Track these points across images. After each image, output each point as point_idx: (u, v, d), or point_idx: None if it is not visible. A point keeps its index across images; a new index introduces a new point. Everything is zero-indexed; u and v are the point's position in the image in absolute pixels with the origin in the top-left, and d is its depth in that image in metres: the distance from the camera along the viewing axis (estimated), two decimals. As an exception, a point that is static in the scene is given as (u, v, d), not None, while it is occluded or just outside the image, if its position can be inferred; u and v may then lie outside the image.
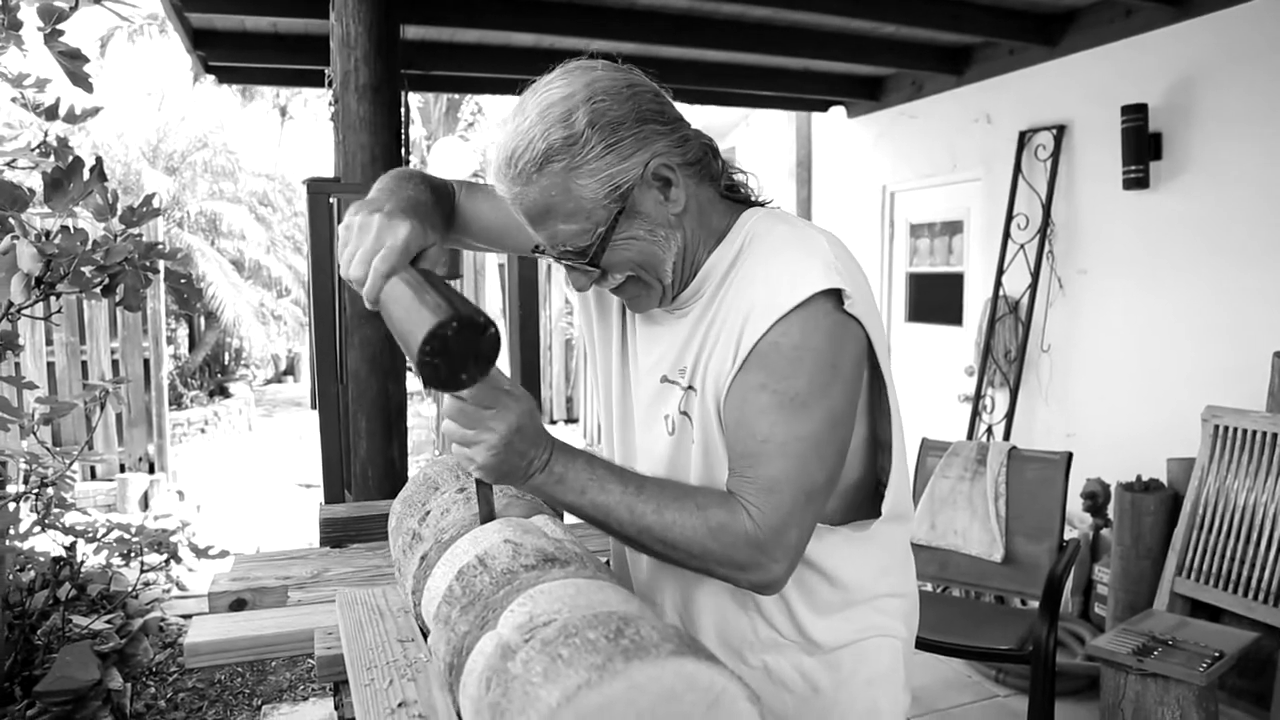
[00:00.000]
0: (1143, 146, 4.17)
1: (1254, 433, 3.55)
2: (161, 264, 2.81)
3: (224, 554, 3.50)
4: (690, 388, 1.25)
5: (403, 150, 3.81)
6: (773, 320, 1.13)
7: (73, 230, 2.44)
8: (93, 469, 7.80)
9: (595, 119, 1.11)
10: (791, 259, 1.17)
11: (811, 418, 1.14)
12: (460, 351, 1.00)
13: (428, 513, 1.31)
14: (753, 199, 1.31)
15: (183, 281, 3.09)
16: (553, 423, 11.35)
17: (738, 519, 1.13)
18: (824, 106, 6.52)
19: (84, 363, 7.87)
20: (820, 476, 1.16)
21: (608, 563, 1.62)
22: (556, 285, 10.59)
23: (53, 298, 2.53)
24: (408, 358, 1.03)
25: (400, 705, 1.14)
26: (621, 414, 1.41)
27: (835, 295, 1.14)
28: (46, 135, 2.57)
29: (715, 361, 1.20)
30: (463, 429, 1.10)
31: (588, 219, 1.15)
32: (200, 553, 3.55)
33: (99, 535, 3.49)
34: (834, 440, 1.17)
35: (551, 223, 1.16)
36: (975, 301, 5.42)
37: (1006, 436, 4.94)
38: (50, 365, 7.75)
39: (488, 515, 1.20)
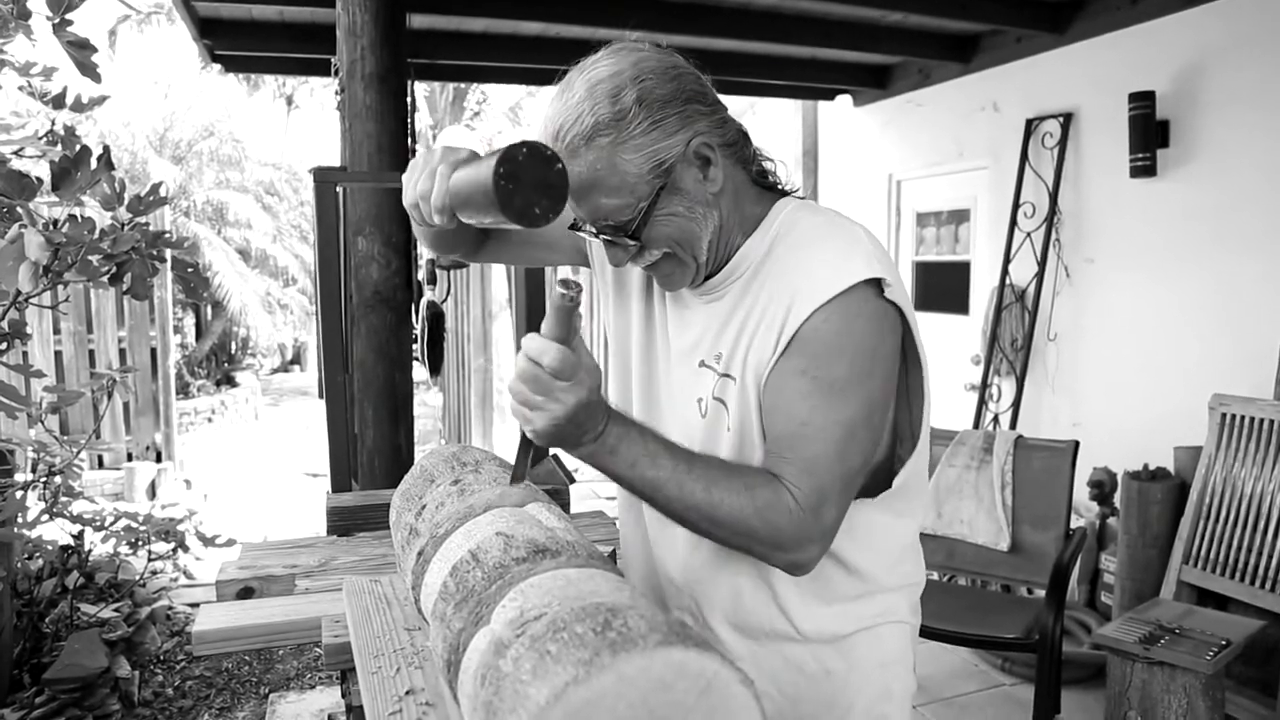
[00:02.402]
0: (1150, 134, 4.15)
1: (1261, 420, 3.54)
2: (168, 253, 2.81)
3: (231, 542, 3.51)
4: (727, 375, 1.27)
5: (409, 139, 3.81)
6: (815, 307, 1.16)
7: (80, 219, 2.44)
8: (100, 458, 7.82)
9: (642, 96, 1.14)
10: (833, 248, 1.20)
11: (850, 403, 1.17)
12: (530, 180, 1.03)
13: (424, 507, 1.31)
14: (780, 186, 1.33)
15: (189, 270, 3.10)
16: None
17: (782, 499, 1.15)
18: (830, 95, 6.49)
19: (91, 352, 7.88)
20: (856, 461, 1.19)
21: (613, 553, 1.62)
22: (563, 273, 10.56)
23: (60, 286, 2.53)
24: (485, 208, 1.05)
25: (408, 693, 1.14)
26: (646, 396, 1.41)
27: (875, 284, 1.17)
28: (54, 124, 2.58)
29: (756, 351, 1.23)
30: (531, 394, 1.09)
31: (630, 193, 1.17)
32: (207, 541, 3.56)
33: (107, 524, 3.51)
34: (870, 425, 1.20)
35: (595, 196, 1.18)
36: (982, 290, 5.40)
37: (1013, 425, 4.93)
38: (57, 354, 7.76)
39: (519, 476, 1.19)
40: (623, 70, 1.15)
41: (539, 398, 1.08)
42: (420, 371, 3.79)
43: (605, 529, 2.12)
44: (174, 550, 3.66)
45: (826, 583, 1.30)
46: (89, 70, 2.43)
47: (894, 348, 1.21)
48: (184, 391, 11.30)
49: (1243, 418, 3.61)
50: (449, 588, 1.08)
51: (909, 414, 1.31)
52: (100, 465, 7.84)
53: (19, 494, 3.00)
